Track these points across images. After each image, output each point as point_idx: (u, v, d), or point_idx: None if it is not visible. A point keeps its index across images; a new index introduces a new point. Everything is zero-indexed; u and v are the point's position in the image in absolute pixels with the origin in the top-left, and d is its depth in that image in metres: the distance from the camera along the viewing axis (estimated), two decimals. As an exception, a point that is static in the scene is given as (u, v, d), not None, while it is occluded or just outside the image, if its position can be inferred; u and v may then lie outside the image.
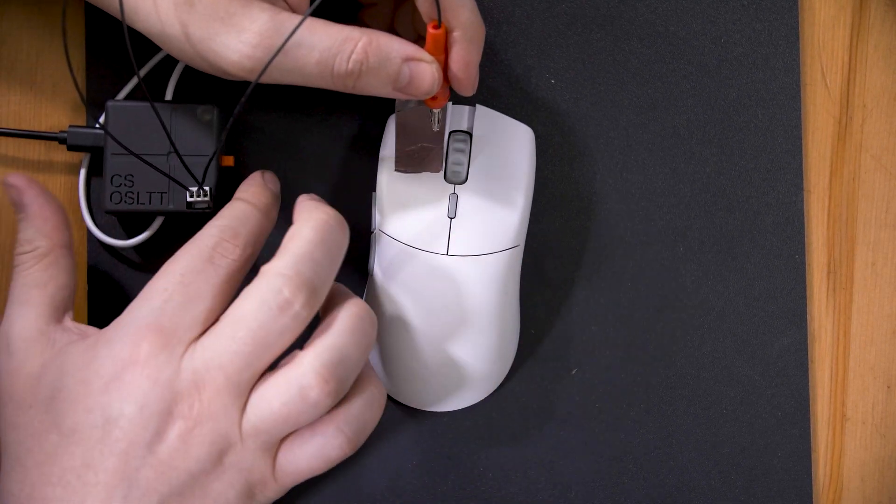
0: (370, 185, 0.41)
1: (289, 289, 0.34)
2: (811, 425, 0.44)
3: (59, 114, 0.41)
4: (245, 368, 0.34)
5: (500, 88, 0.43)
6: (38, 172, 0.41)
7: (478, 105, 0.40)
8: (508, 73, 0.43)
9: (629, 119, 0.43)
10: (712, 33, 0.43)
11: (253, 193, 0.38)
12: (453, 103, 0.40)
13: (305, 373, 0.34)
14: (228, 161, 0.40)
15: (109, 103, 0.39)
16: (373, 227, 0.40)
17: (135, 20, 0.35)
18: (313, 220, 0.35)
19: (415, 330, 0.39)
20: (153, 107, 0.37)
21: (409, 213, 0.39)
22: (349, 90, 0.35)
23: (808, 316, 0.44)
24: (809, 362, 0.44)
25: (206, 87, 0.41)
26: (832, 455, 0.44)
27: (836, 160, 0.44)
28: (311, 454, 0.35)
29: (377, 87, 0.35)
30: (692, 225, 0.43)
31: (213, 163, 0.39)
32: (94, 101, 0.41)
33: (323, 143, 0.42)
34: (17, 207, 0.37)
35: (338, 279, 0.42)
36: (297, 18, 0.34)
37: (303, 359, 0.34)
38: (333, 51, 0.34)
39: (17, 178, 0.37)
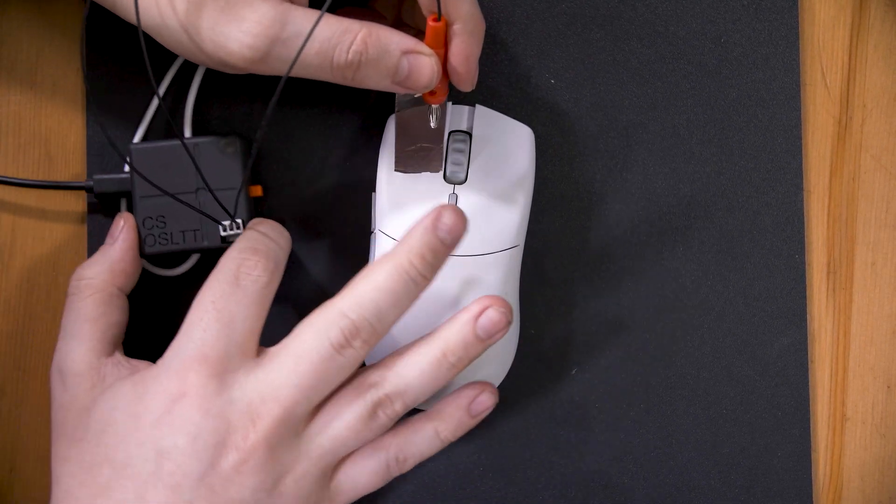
0: (370, 184, 0.41)
1: (350, 331, 0.35)
2: (811, 425, 0.44)
3: (59, 114, 0.41)
4: (304, 401, 0.35)
5: (500, 88, 0.43)
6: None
7: (477, 105, 0.40)
8: (508, 73, 0.43)
9: (629, 119, 0.43)
10: (712, 33, 0.43)
11: (257, 222, 0.38)
12: (453, 103, 0.40)
13: (376, 393, 0.36)
14: (257, 191, 0.40)
15: (132, 146, 0.39)
16: (372, 227, 0.40)
17: (131, 13, 0.34)
18: (394, 264, 0.35)
19: (414, 331, 0.39)
20: (183, 144, 0.37)
21: (409, 214, 0.39)
22: (348, 82, 0.35)
23: (808, 316, 0.44)
24: (809, 362, 0.44)
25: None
26: (832, 455, 0.44)
27: (836, 160, 0.44)
28: (371, 470, 0.37)
29: (376, 80, 0.35)
30: (692, 225, 0.43)
31: (243, 194, 0.39)
32: (96, 100, 0.41)
33: (323, 143, 0.42)
34: (108, 237, 0.39)
35: (337, 281, 0.42)
36: (299, 9, 0.34)
37: (371, 377, 0.36)
38: (333, 41, 0.34)
39: (127, 217, 0.39)
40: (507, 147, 0.40)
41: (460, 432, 0.38)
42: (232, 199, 0.39)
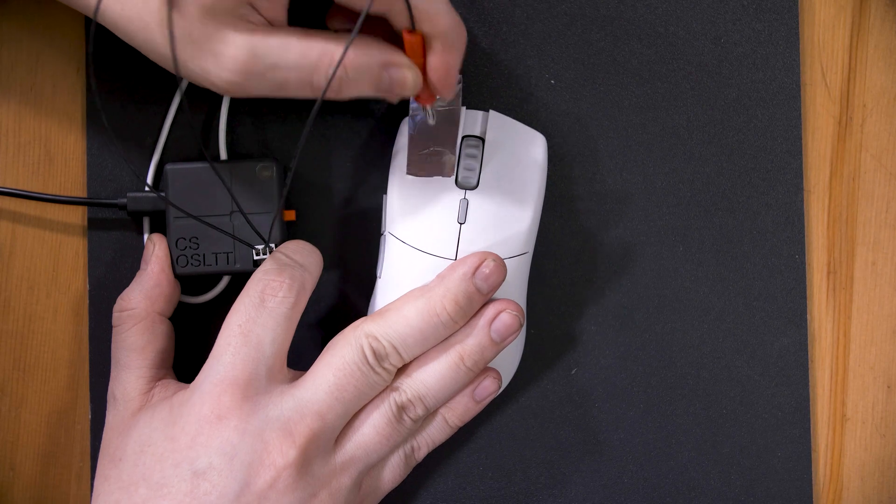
0: (382, 185, 0.41)
1: (379, 352, 0.36)
2: (811, 425, 0.44)
3: (60, 114, 0.41)
4: (342, 413, 0.36)
5: (500, 89, 0.43)
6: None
7: (491, 111, 0.40)
8: (508, 74, 0.43)
9: (629, 119, 0.43)
10: (712, 33, 0.43)
11: (286, 244, 0.39)
12: (467, 108, 0.40)
13: (399, 397, 0.37)
14: (290, 216, 0.40)
15: (168, 167, 0.39)
16: (383, 229, 0.40)
17: (118, 32, 0.35)
18: (427, 304, 0.37)
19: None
20: (216, 170, 0.37)
21: (419, 217, 0.39)
22: (333, 98, 0.35)
23: (808, 316, 0.44)
24: (809, 362, 0.44)
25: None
26: (832, 455, 0.44)
27: (836, 160, 0.44)
28: (391, 466, 0.38)
29: (361, 93, 0.35)
30: (692, 225, 0.43)
31: (278, 220, 0.39)
32: (96, 105, 0.41)
33: (336, 143, 0.42)
34: (142, 262, 0.39)
35: (345, 282, 0.42)
36: (273, 37, 0.34)
37: (392, 384, 0.37)
38: (309, 70, 0.34)
39: (158, 238, 0.39)
40: (519, 154, 0.40)
41: (467, 418, 0.39)
42: (264, 222, 0.39)
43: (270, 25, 0.35)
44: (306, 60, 0.34)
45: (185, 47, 0.33)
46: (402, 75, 0.35)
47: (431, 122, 0.38)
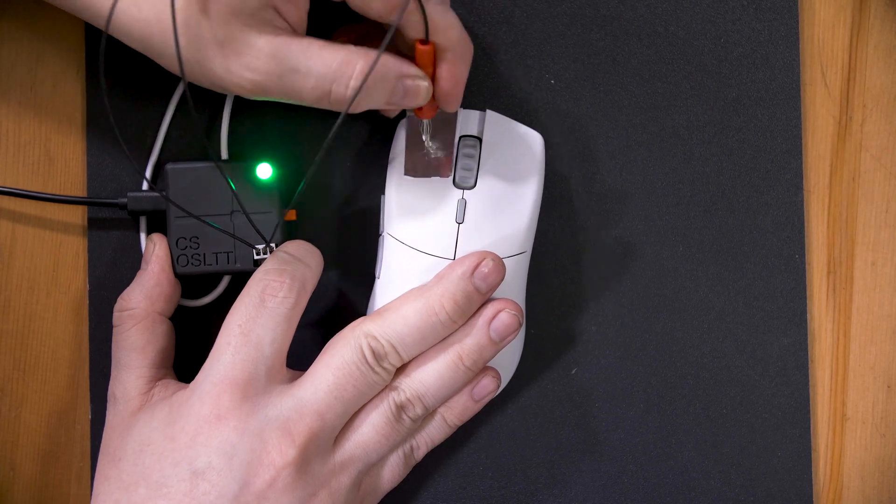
0: (380, 186, 0.41)
1: (378, 352, 0.37)
2: (811, 425, 0.44)
3: (60, 114, 0.41)
4: (341, 412, 0.36)
5: (499, 89, 0.43)
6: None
7: (488, 110, 0.40)
8: (508, 74, 0.43)
9: (629, 119, 0.43)
10: (712, 33, 0.43)
11: (287, 244, 0.39)
12: (464, 108, 0.40)
13: (398, 396, 0.37)
14: (291, 215, 0.40)
15: (168, 167, 0.39)
16: (381, 229, 0.40)
17: (130, 38, 0.34)
18: (426, 303, 0.37)
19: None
20: (220, 170, 0.37)
21: (418, 218, 0.39)
22: (349, 112, 0.35)
23: (808, 316, 0.44)
24: (809, 362, 0.44)
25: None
26: (832, 455, 0.44)
27: (836, 160, 0.44)
28: (390, 466, 0.38)
29: (371, 105, 0.36)
30: (692, 225, 0.43)
31: (280, 220, 0.39)
32: (96, 105, 0.41)
33: (335, 143, 0.42)
34: (142, 261, 0.39)
35: (344, 283, 0.42)
36: (295, 41, 0.34)
37: (391, 383, 0.37)
38: (329, 77, 0.34)
39: (159, 238, 0.39)
40: (517, 153, 0.40)
41: (466, 417, 0.39)
42: (264, 222, 0.39)
43: (294, 31, 0.35)
44: (327, 68, 0.34)
45: (210, 48, 0.33)
46: (417, 85, 0.36)
47: (426, 139, 0.39)
